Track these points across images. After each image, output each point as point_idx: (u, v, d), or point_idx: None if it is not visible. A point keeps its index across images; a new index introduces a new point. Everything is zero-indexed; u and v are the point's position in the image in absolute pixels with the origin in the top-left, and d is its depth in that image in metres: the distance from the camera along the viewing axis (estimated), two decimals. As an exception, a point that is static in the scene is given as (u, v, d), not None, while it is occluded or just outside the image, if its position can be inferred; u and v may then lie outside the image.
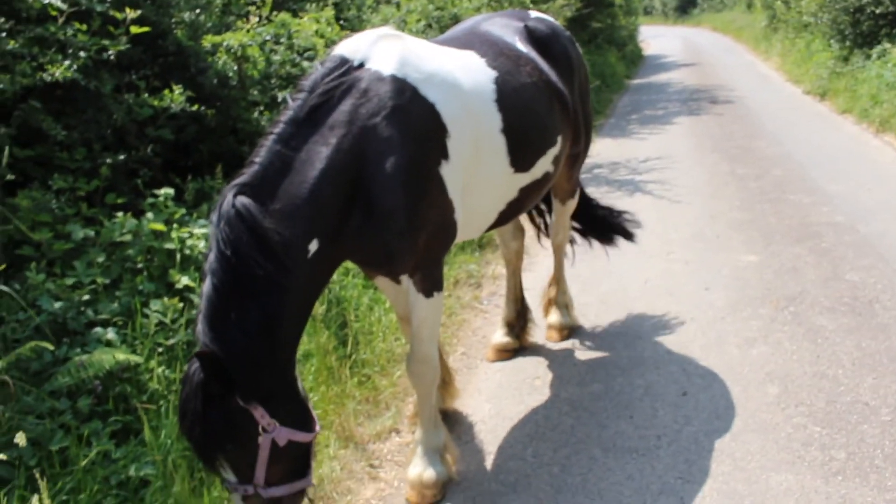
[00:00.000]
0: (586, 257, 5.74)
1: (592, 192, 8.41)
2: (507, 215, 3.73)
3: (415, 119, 3.04)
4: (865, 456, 3.51)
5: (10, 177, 4.22)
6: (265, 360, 2.62)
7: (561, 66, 4.05)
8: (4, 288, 3.61)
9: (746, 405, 3.99)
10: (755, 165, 9.13)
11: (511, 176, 3.53)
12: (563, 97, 3.92)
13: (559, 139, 3.83)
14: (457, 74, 3.28)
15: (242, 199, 2.63)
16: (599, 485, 3.45)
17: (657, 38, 34.49)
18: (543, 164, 3.72)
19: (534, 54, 3.87)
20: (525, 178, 3.62)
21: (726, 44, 29.66)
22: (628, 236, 5.19)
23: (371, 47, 3.12)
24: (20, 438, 2.67)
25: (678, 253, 6.33)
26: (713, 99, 15.03)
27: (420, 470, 3.41)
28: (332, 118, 2.88)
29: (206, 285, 2.59)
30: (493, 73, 3.50)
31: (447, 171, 3.14)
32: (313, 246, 2.78)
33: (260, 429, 2.60)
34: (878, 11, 12.91)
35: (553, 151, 3.78)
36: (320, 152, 2.81)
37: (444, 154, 3.14)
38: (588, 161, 10.16)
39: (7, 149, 4.08)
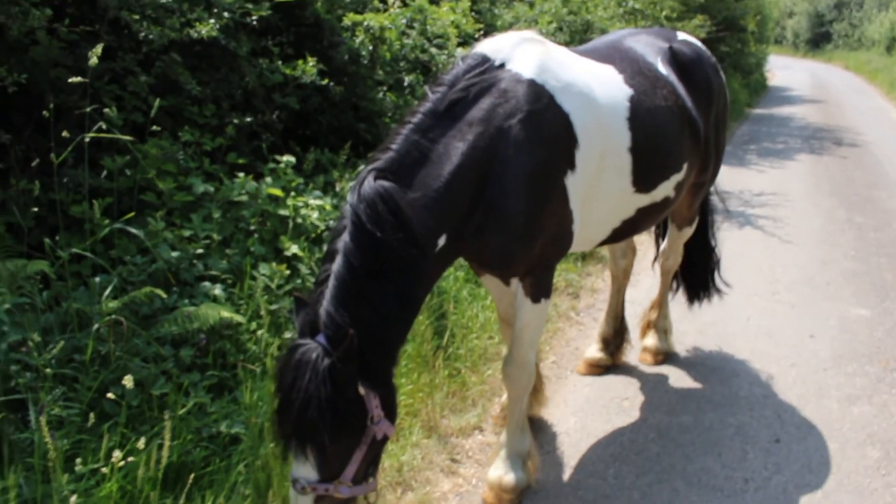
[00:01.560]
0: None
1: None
2: (620, 233, 3.67)
3: (548, 126, 3.01)
4: (969, 540, 3.31)
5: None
6: (391, 347, 2.64)
7: (700, 93, 3.95)
8: (134, 230, 3.73)
9: (842, 464, 3.81)
10: (875, 216, 8.72)
11: (631, 195, 3.47)
12: (696, 125, 3.83)
13: (685, 166, 3.75)
14: (593, 87, 3.25)
15: (384, 183, 2.64)
16: (680, 519, 3.36)
17: (784, 69, 33.33)
18: (665, 188, 3.64)
19: (673, 78, 3.79)
20: (644, 199, 3.56)
21: (858, 85, 28.40)
22: (705, 293, 5.05)
23: (514, 49, 3.11)
24: (128, 381, 2.77)
25: (783, 295, 6.10)
26: (837, 140, 14.42)
27: (501, 473, 3.39)
28: (470, 115, 2.88)
29: (339, 265, 2.57)
30: (629, 91, 3.44)
31: (571, 181, 3.11)
32: (442, 241, 2.80)
33: (368, 420, 2.57)
34: None
35: (677, 177, 3.70)
36: (457, 147, 2.81)
37: (571, 164, 3.10)
38: (699, 186, 9.94)
39: (157, 100, 4.22)
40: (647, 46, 3.91)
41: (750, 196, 9.56)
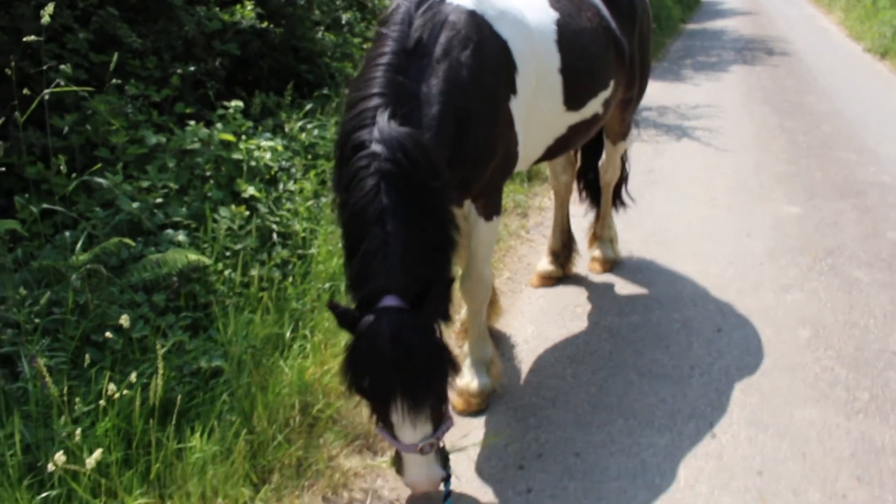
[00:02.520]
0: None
1: (640, 134, 8.52)
2: (554, 150, 3.89)
3: (491, 55, 3.18)
4: (888, 399, 3.69)
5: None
6: (448, 286, 2.85)
7: (623, 14, 4.13)
8: (102, 180, 3.83)
9: (777, 346, 4.17)
10: (804, 120, 9.10)
11: (563, 114, 3.68)
12: (620, 44, 4.02)
13: (611, 83, 3.95)
14: (524, 13, 3.42)
15: (409, 130, 2.73)
16: (634, 405, 3.68)
17: (715, -18, 33.56)
18: (594, 106, 3.85)
19: (597, 0, 3.97)
20: (575, 117, 3.77)
21: (786, -7, 28.81)
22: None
23: None
24: (124, 320, 2.93)
25: (721, 200, 6.43)
26: (769, 50, 14.78)
27: (468, 380, 3.66)
28: (435, 51, 2.99)
29: (392, 226, 2.65)
30: (555, 15, 3.62)
31: (514, 105, 3.30)
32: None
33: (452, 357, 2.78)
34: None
35: (604, 94, 3.90)
36: (436, 86, 2.93)
37: (513, 89, 3.29)
38: (637, 104, 10.20)
39: (116, 55, 4.27)
40: None
41: (686, 109, 9.86)
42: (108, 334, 3.18)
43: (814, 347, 4.16)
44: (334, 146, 3.19)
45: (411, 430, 2.68)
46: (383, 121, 2.73)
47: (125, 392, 2.92)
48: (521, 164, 3.78)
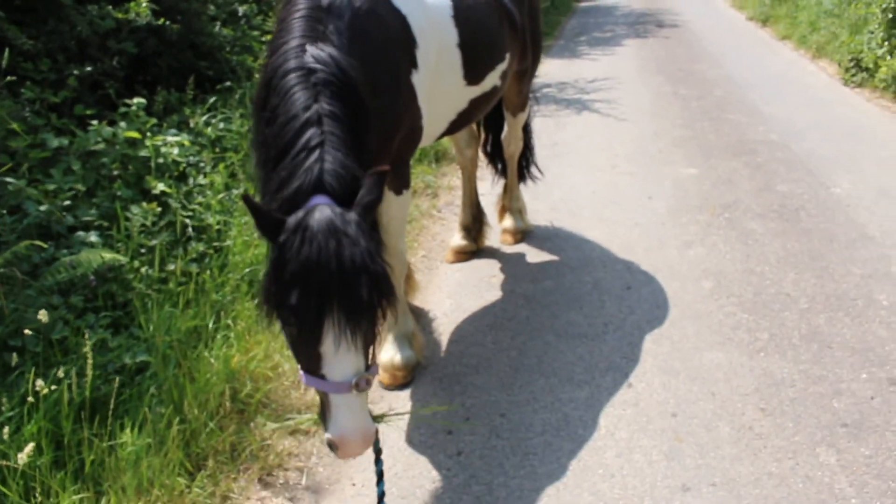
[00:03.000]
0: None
1: (542, 109, 8.75)
2: (456, 124, 3.99)
3: (391, 28, 3.26)
4: (784, 337, 3.97)
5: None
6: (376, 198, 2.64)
7: None
8: (10, 180, 3.75)
9: (683, 297, 4.41)
10: (697, 87, 9.51)
11: (463, 88, 3.78)
12: (513, 17, 4.14)
13: (507, 56, 4.08)
14: None
15: (338, 51, 2.77)
16: (553, 365, 3.85)
17: (604, -40, 34.37)
18: (492, 79, 3.96)
19: None
20: (475, 91, 3.87)
21: (672, -33, 29.75)
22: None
23: None
24: (43, 315, 2.91)
25: (623, 166, 6.70)
26: (659, 23, 15.32)
27: (391, 354, 3.75)
28: (346, 14, 3.01)
29: (329, 126, 2.62)
30: None
31: (416, 79, 3.39)
32: None
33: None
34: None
35: (501, 67, 4.02)
36: (349, 51, 2.91)
37: (414, 63, 3.38)
38: (537, 81, 10.40)
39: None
40: None
41: (585, 84, 10.16)
42: (26, 331, 3.12)
43: (716, 296, 4.42)
44: (258, 87, 3.01)
45: (344, 361, 2.41)
46: (313, 48, 2.75)
47: (53, 388, 2.90)
48: (426, 140, 3.87)
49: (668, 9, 17.33)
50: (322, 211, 2.43)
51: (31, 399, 2.84)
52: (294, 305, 2.36)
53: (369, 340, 2.54)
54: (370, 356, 2.56)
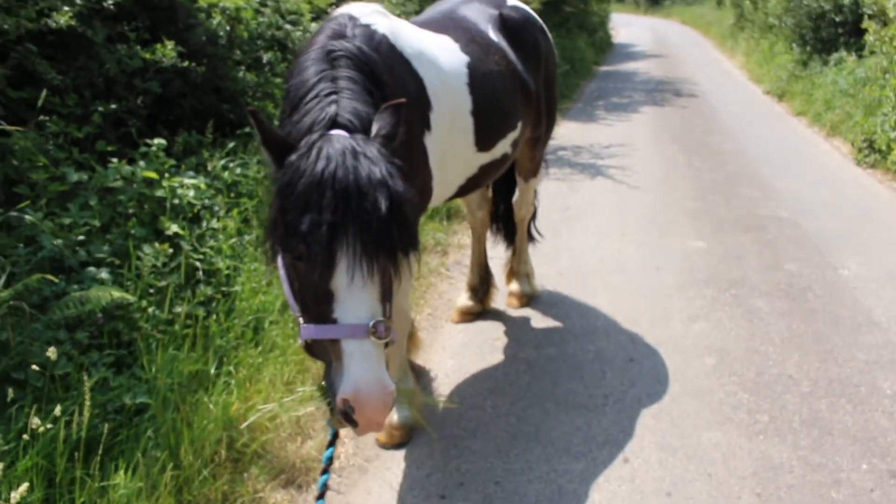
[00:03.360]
0: (547, 233, 6.13)
1: (556, 172, 8.84)
2: (465, 189, 4.04)
3: (408, 88, 3.33)
4: (785, 420, 3.95)
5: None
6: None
7: (529, 55, 4.31)
8: (27, 216, 3.80)
9: (685, 373, 4.41)
10: (711, 159, 9.60)
11: (474, 154, 3.82)
12: (527, 85, 4.19)
13: (519, 124, 4.12)
14: (438, 55, 3.57)
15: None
16: (551, 434, 3.83)
17: (627, 26, 34.94)
18: (503, 146, 4.01)
19: (504, 43, 4.14)
20: (486, 157, 3.92)
21: (694, 38, 30.23)
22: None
23: (372, 15, 3.32)
24: (52, 353, 2.93)
25: (633, 235, 6.73)
26: (677, 92, 15.50)
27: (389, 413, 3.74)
28: (363, 67, 2.93)
29: (345, 78, 2.65)
30: (465, 58, 3.77)
31: (429, 141, 3.45)
32: None
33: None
34: (837, 19, 13.47)
35: (513, 135, 4.07)
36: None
37: (427, 125, 3.45)
38: (553, 143, 10.56)
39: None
40: (479, 14, 4.23)
41: (600, 149, 10.27)
42: (34, 367, 3.14)
43: (719, 374, 4.41)
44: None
45: (359, 300, 2.24)
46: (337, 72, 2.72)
47: (49, 427, 2.90)
48: (435, 201, 3.92)
49: (687, 78, 17.55)
50: (338, 137, 2.33)
51: (26, 437, 2.84)
52: (304, 230, 2.19)
53: (386, 283, 2.35)
54: (387, 309, 2.35)
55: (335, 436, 2.62)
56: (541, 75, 4.44)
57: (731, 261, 6.11)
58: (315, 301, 2.30)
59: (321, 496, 2.54)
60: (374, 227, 2.22)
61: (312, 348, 2.46)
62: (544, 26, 4.70)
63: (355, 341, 2.22)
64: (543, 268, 5.87)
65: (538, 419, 3.97)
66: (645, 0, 51.57)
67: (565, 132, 11.55)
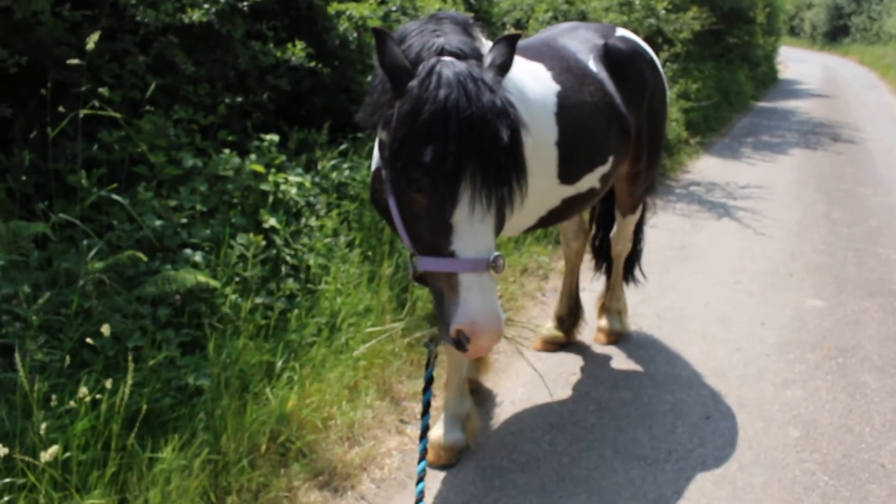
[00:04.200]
0: (656, 270, 5.94)
1: (683, 208, 8.54)
2: (546, 220, 3.92)
3: None
4: (861, 511, 3.64)
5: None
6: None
7: (631, 89, 4.15)
8: (118, 198, 4.08)
9: (763, 441, 4.14)
10: (853, 212, 8.98)
11: (556, 186, 3.71)
12: (624, 119, 4.02)
13: (611, 159, 3.95)
14: (525, 83, 3.50)
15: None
16: (601, 482, 3.70)
17: (798, 62, 33.31)
18: (590, 180, 3.87)
19: (604, 74, 4.01)
20: (570, 191, 3.80)
21: (870, 80, 28.37)
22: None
23: None
24: (105, 329, 3.12)
25: (746, 284, 6.40)
26: (835, 136, 14.61)
27: (441, 433, 3.74)
28: None
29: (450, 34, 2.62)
30: (556, 88, 3.67)
31: None
32: None
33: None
34: None
35: (602, 170, 3.91)
36: None
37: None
38: (687, 177, 10.26)
39: (153, 83, 4.56)
40: (582, 43, 4.13)
41: (735, 188, 9.83)
42: (105, 331, 3.27)
43: (800, 448, 4.11)
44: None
45: (480, 233, 2.29)
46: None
47: (99, 397, 3.08)
48: (513, 230, 3.87)
49: (851, 123, 16.50)
50: (454, 62, 2.34)
51: (72, 403, 3.02)
52: (428, 162, 2.22)
53: (500, 216, 2.41)
54: (502, 225, 2.45)
55: (435, 355, 2.77)
56: (644, 110, 4.27)
57: (848, 326, 5.69)
58: (433, 234, 2.35)
59: (425, 412, 2.78)
60: (496, 158, 2.26)
61: (423, 277, 2.53)
62: (655, 59, 4.53)
63: (474, 275, 2.28)
64: (642, 306, 5.69)
65: (592, 464, 3.84)
66: (822, 36, 48.89)
67: (703, 167, 11.14)
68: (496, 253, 2.32)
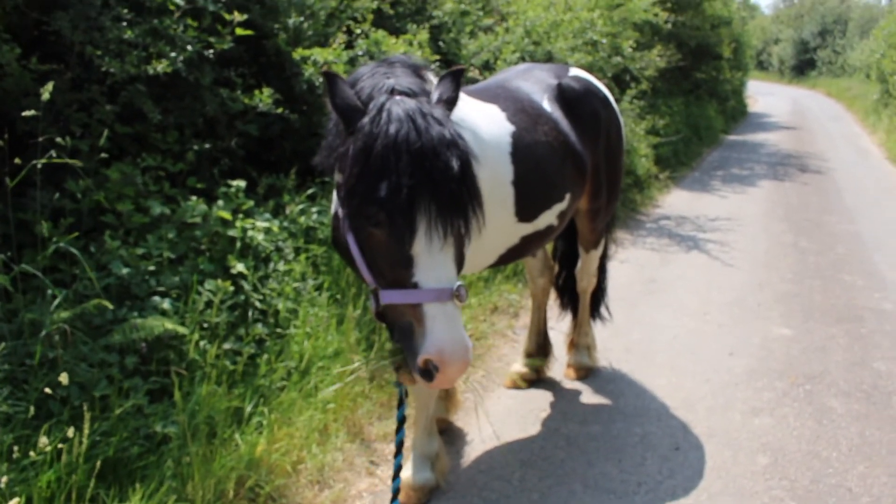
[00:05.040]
0: (624, 305, 6.01)
1: (652, 242, 8.65)
2: (506, 258, 3.97)
3: None
4: (827, 537, 3.67)
5: (104, 152, 4.76)
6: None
7: (586, 126, 4.22)
8: (74, 250, 4.08)
9: (732, 470, 4.18)
10: (820, 240, 9.14)
11: (514, 224, 3.76)
12: (579, 157, 4.09)
13: (567, 196, 4.01)
14: (480, 124, 3.58)
15: None
16: (570, 516, 3.72)
17: (767, 95, 34.00)
18: (547, 218, 3.92)
19: (558, 114, 4.09)
20: (528, 228, 3.85)
21: (836, 111, 29.00)
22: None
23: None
24: (63, 378, 3.13)
25: (714, 315, 6.48)
26: (803, 167, 14.90)
27: (410, 473, 3.74)
28: None
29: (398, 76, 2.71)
30: (511, 128, 3.74)
31: None
32: None
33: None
34: None
35: (559, 207, 3.97)
36: None
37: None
38: (657, 211, 10.39)
39: (106, 131, 4.61)
40: (536, 84, 4.22)
41: (704, 221, 9.98)
42: (63, 380, 3.25)
43: (769, 475, 4.15)
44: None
45: (440, 263, 2.36)
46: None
47: (61, 447, 3.07)
48: (472, 268, 3.91)
49: (817, 153, 16.84)
50: (404, 100, 2.44)
51: (33, 454, 3.01)
52: (382, 196, 2.29)
53: (459, 246, 2.48)
54: (459, 270, 2.50)
55: (406, 395, 2.84)
56: (600, 147, 4.36)
57: (814, 353, 5.77)
58: (393, 267, 2.40)
59: (398, 452, 2.87)
60: (448, 188, 2.33)
61: (384, 314, 2.56)
62: (608, 97, 4.62)
63: (439, 304, 2.32)
64: (611, 341, 5.74)
65: (562, 499, 3.86)
66: (790, 69, 49.95)
67: (674, 201, 11.31)
68: (458, 282, 2.37)
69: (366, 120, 2.41)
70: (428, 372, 2.36)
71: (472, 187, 2.46)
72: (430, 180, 2.32)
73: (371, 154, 2.33)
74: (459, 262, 2.55)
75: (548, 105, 4.10)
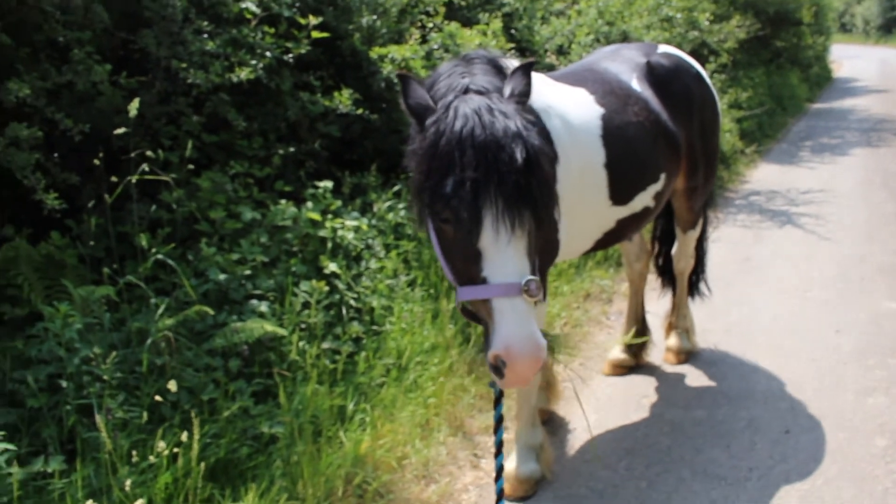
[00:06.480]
0: (721, 285, 5.83)
1: (743, 219, 8.39)
2: (603, 243, 3.91)
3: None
4: (959, 520, 3.48)
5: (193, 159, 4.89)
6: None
7: (678, 104, 4.12)
8: (170, 261, 4.19)
9: (848, 453, 4.00)
10: (924, 208, 8.70)
11: (609, 208, 3.70)
12: (672, 136, 4.00)
13: (662, 176, 3.93)
14: (569, 109, 3.52)
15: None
16: (681, 505, 3.63)
17: (852, 59, 32.56)
18: (643, 199, 3.84)
19: (648, 93, 3.99)
20: (623, 211, 3.78)
21: (929, 71, 27.60)
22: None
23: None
24: (172, 385, 3.22)
25: (816, 292, 6.23)
26: (898, 131, 14.22)
27: (515, 465, 3.72)
28: None
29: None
30: (600, 111, 3.68)
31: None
32: None
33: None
34: None
35: (654, 188, 3.89)
36: None
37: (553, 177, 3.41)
38: (746, 187, 10.08)
39: (192, 140, 4.73)
40: (624, 64, 4.13)
41: (796, 194, 9.62)
42: (171, 387, 3.34)
43: (889, 458, 3.97)
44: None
45: (507, 257, 2.31)
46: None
47: (177, 450, 3.16)
48: (569, 255, 3.85)
49: (914, 116, 16.05)
50: (472, 97, 2.44)
51: (152, 458, 3.11)
52: (448, 192, 2.29)
53: (531, 239, 2.41)
54: (534, 264, 2.44)
55: (501, 394, 2.75)
56: (694, 124, 4.24)
57: (928, 327, 5.49)
58: (464, 262, 2.39)
59: (498, 452, 2.79)
60: (514, 180, 2.29)
61: (469, 311, 2.55)
62: (701, 72, 4.49)
63: (507, 299, 2.28)
64: (710, 322, 5.58)
65: (671, 487, 3.77)
66: (876, 29, 47.68)
67: (762, 175, 10.94)
68: (529, 276, 2.32)
69: (433, 118, 2.43)
70: (497, 369, 2.32)
71: (541, 179, 2.39)
72: (494, 173, 2.29)
73: (437, 150, 2.34)
74: (533, 254, 2.47)
75: (637, 84, 4.00)
